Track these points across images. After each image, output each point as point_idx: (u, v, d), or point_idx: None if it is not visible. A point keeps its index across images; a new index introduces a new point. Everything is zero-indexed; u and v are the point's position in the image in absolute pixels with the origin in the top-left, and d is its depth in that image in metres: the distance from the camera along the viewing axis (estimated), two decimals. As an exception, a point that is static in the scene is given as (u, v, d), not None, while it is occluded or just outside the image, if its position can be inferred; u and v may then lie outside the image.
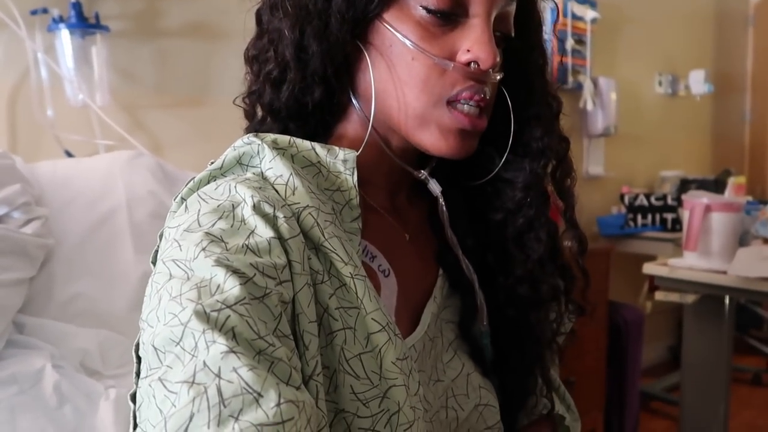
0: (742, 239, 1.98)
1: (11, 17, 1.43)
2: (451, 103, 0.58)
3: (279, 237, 0.51)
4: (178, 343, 0.42)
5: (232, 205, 0.52)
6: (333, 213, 0.57)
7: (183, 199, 0.56)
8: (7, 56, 1.48)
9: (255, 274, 0.46)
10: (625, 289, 3.07)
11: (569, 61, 2.88)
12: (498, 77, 0.60)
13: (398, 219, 0.67)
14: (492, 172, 0.66)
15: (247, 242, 0.49)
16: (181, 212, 0.54)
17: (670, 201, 2.92)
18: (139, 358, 0.49)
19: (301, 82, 0.59)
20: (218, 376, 0.40)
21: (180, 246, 0.49)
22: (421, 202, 0.70)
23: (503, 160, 0.65)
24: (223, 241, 0.48)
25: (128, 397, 0.47)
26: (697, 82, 3.57)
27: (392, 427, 0.52)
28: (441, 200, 0.65)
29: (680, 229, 2.54)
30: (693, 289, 1.99)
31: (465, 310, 0.67)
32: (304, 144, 0.58)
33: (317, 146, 0.58)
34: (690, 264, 1.95)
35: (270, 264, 0.48)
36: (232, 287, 0.45)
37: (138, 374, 0.48)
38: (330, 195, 0.58)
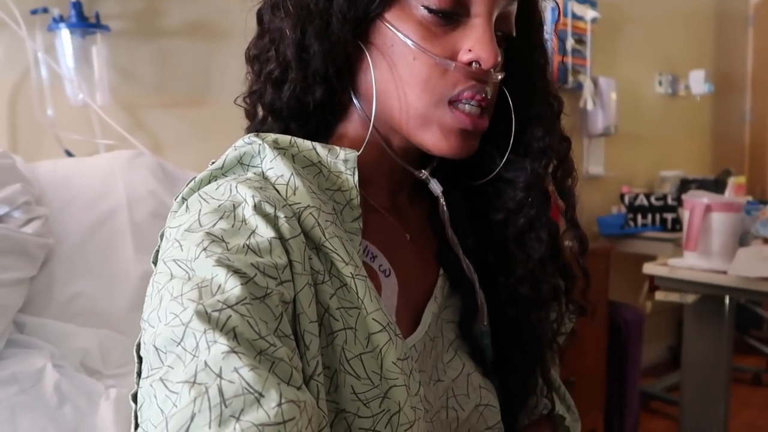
0: (742, 239, 1.98)
1: (11, 17, 1.43)
2: (452, 102, 0.58)
3: (280, 237, 0.51)
4: (179, 343, 0.42)
5: (233, 205, 0.52)
6: (334, 213, 0.57)
7: (184, 199, 0.56)
8: (7, 56, 1.48)
9: (256, 274, 0.46)
10: (625, 289, 3.07)
11: (569, 60, 2.88)
12: (499, 77, 0.60)
13: (399, 219, 0.67)
14: (493, 172, 0.66)
15: (248, 242, 0.49)
16: (182, 212, 0.54)
17: (670, 201, 2.92)
18: (140, 358, 0.49)
19: (303, 82, 0.59)
20: (219, 376, 0.40)
21: (181, 246, 0.49)
22: (422, 201, 0.70)
23: (504, 159, 0.65)
24: (224, 241, 0.48)
25: (129, 397, 0.47)
26: (697, 82, 3.57)
27: (393, 427, 0.52)
28: (442, 200, 0.65)
29: (680, 229, 2.55)
30: (693, 289, 1.99)
31: (465, 309, 0.67)
32: (305, 144, 0.58)
33: (318, 146, 0.58)
34: (690, 264, 1.95)
35: (271, 264, 0.48)
36: (233, 287, 0.45)
37: (139, 374, 0.48)
38: (331, 195, 0.58)
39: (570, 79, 2.91)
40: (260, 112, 0.64)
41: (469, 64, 0.57)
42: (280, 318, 0.47)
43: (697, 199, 1.91)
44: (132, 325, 1.11)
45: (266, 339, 0.43)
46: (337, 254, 0.53)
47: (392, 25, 0.57)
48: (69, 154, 1.54)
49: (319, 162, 0.58)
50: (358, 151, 0.59)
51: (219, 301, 0.44)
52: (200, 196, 0.54)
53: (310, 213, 0.53)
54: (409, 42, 0.57)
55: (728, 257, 1.87)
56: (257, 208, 0.51)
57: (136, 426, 0.44)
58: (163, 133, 1.74)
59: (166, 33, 1.74)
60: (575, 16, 2.89)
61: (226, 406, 0.38)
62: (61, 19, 1.50)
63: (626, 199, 2.98)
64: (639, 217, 2.94)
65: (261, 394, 0.39)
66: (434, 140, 0.59)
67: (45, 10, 1.49)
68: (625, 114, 3.15)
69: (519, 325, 0.68)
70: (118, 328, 1.15)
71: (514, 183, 0.66)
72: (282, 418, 0.39)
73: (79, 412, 0.99)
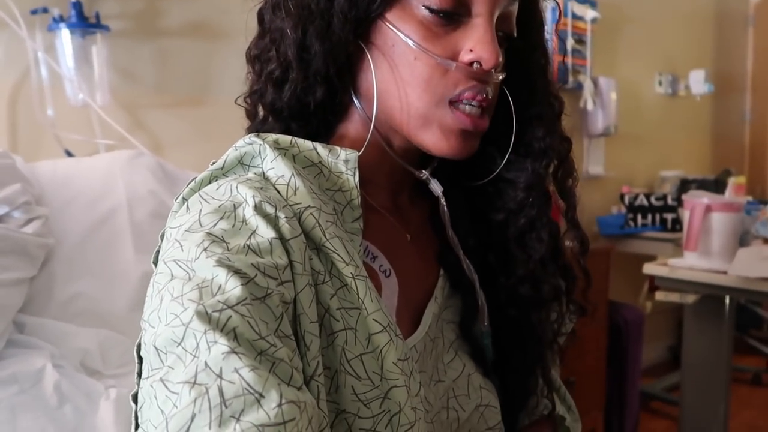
0: (743, 239, 1.98)
1: (11, 17, 1.43)
2: (453, 103, 0.58)
3: (280, 237, 0.51)
4: (179, 344, 0.42)
5: (234, 205, 0.52)
6: (334, 213, 0.56)
7: (184, 199, 0.56)
8: (7, 56, 1.48)
9: (256, 275, 0.46)
10: (625, 289, 3.07)
11: (569, 60, 2.88)
12: (500, 77, 0.60)
13: (400, 219, 0.67)
14: (494, 172, 0.66)
15: (248, 242, 0.49)
16: (182, 212, 0.54)
17: (670, 201, 2.92)
18: (140, 359, 0.49)
19: (304, 82, 0.59)
20: (220, 376, 0.40)
21: (181, 246, 0.49)
22: (422, 202, 0.70)
23: (505, 160, 0.65)
24: (224, 241, 0.48)
25: (130, 398, 0.47)
26: (697, 82, 3.57)
27: (393, 428, 0.52)
28: (442, 200, 0.65)
29: (680, 229, 2.55)
30: (693, 289, 1.99)
31: (466, 310, 0.67)
32: (306, 144, 0.58)
33: (319, 146, 0.58)
34: (690, 264, 1.95)
35: (271, 264, 0.48)
36: (233, 288, 0.45)
37: (140, 375, 0.48)
38: (331, 195, 0.58)
39: (570, 79, 2.91)
40: (261, 112, 0.64)
41: (470, 64, 0.57)
42: (280, 318, 0.46)
43: (697, 199, 1.91)
44: (132, 325, 1.11)
45: (267, 339, 0.43)
46: (338, 254, 0.53)
47: (393, 25, 0.57)
48: (69, 154, 1.54)
49: (320, 162, 0.58)
50: (358, 152, 0.59)
51: (219, 301, 0.43)
52: (201, 196, 0.54)
53: (311, 213, 0.53)
54: (410, 42, 0.57)
55: (728, 257, 1.87)
56: (258, 209, 0.51)
57: (137, 426, 0.44)
58: (163, 133, 1.74)
59: (166, 33, 1.74)
60: (575, 16, 2.89)
61: (226, 407, 0.38)
62: (61, 19, 1.50)
63: (626, 199, 2.98)
64: (639, 217, 2.94)
65: (261, 395, 0.39)
66: (434, 140, 0.59)
67: (45, 10, 1.49)
68: (625, 114, 3.14)
69: (519, 325, 0.68)
70: (118, 328, 1.15)
71: (514, 183, 0.66)
72: (282, 419, 0.39)
73: (79, 412, 0.99)
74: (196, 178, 0.58)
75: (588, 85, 2.93)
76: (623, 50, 3.30)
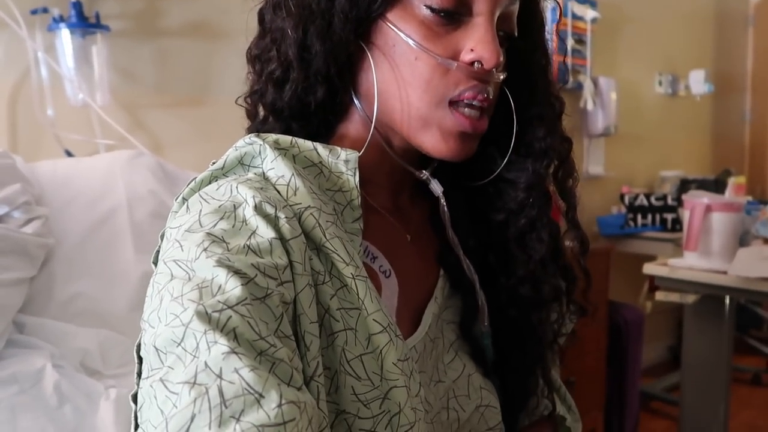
0: (743, 239, 1.98)
1: (11, 17, 1.42)
2: (453, 103, 0.58)
3: (280, 237, 0.51)
4: (179, 344, 0.42)
5: (234, 205, 0.52)
6: (334, 213, 0.56)
7: (184, 199, 0.56)
8: (7, 56, 1.48)
9: (256, 275, 0.46)
10: (625, 289, 3.07)
11: (569, 60, 2.88)
12: (501, 77, 0.60)
13: (400, 219, 0.67)
14: (494, 173, 0.66)
15: (248, 243, 0.49)
16: (182, 212, 0.54)
17: (670, 201, 2.92)
18: (140, 359, 0.49)
19: (304, 82, 0.59)
20: (219, 376, 0.40)
21: (181, 246, 0.49)
22: (423, 202, 0.70)
23: (506, 160, 0.65)
24: (224, 241, 0.48)
25: (129, 398, 0.47)
26: (697, 82, 3.57)
27: (393, 429, 0.52)
28: (442, 200, 0.65)
29: (680, 229, 2.55)
30: (693, 289, 1.99)
31: (466, 310, 0.67)
32: (306, 144, 0.58)
33: (319, 146, 0.58)
34: (690, 264, 1.95)
35: (271, 264, 0.48)
36: (233, 288, 0.45)
37: (139, 375, 0.48)
38: (331, 195, 0.58)
39: (570, 79, 2.91)
40: (261, 112, 0.64)
41: (471, 63, 0.57)
42: (280, 319, 0.46)
43: (697, 199, 1.91)
44: (132, 325, 1.11)
45: (266, 340, 0.43)
46: (338, 255, 0.53)
47: (394, 25, 0.57)
48: (69, 154, 1.54)
49: (320, 162, 0.58)
50: (359, 152, 0.59)
51: (219, 301, 0.43)
52: (201, 196, 0.54)
53: (311, 214, 0.53)
54: (411, 42, 0.57)
55: (728, 257, 1.87)
56: (258, 209, 0.51)
57: (136, 427, 0.44)
58: (163, 133, 1.74)
59: (166, 33, 1.74)
60: (575, 16, 2.89)
61: (226, 407, 0.38)
62: (61, 19, 1.50)
63: (626, 199, 2.98)
64: (639, 217, 2.94)
65: (261, 395, 0.39)
66: (433, 142, 0.59)
67: (45, 10, 1.49)
68: (625, 114, 3.14)
69: (520, 325, 0.68)
70: (118, 328, 1.15)
71: (515, 183, 0.66)
72: (282, 419, 0.39)
73: (79, 412, 0.99)
74: (196, 178, 0.58)
75: (588, 85, 2.93)
76: (623, 50, 3.30)
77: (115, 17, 1.62)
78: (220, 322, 0.42)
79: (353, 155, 0.58)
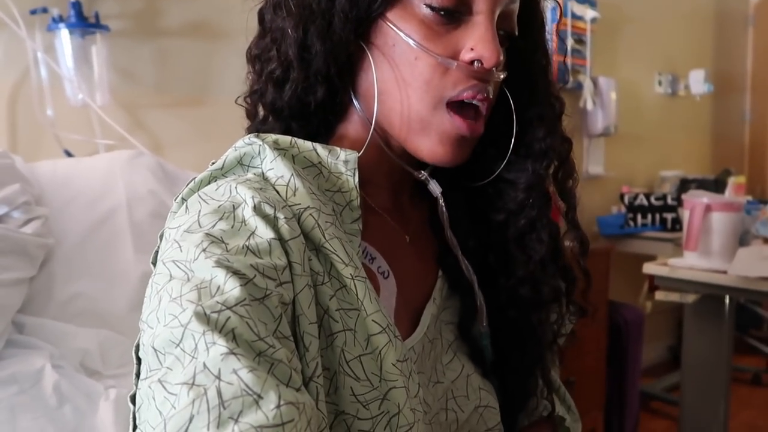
0: (743, 239, 1.98)
1: (11, 17, 1.42)
2: (451, 104, 0.58)
3: (279, 238, 0.50)
4: (178, 345, 0.42)
5: (233, 205, 0.52)
6: (333, 214, 0.56)
7: (183, 200, 0.56)
8: (7, 56, 1.48)
9: (255, 276, 0.46)
10: (625, 289, 3.07)
11: (569, 60, 2.88)
12: (501, 76, 0.60)
13: (399, 220, 0.67)
14: (494, 173, 0.66)
15: (247, 243, 0.49)
16: (181, 213, 0.54)
17: (670, 201, 2.92)
18: (139, 360, 0.48)
19: (304, 82, 0.59)
20: (218, 377, 0.40)
21: (180, 247, 0.49)
22: (422, 202, 0.70)
23: (506, 160, 0.65)
24: (223, 242, 0.48)
25: (128, 399, 0.47)
26: (697, 82, 3.57)
27: (392, 429, 0.52)
28: (441, 201, 0.65)
29: (680, 229, 2.54)
30: (693, 289, 1.99)
31: (465, 311, 0.67)
32: (306, 144, 0.58)
33: (318, 147, 0.58)
34: (690, 264, 1.95)
35: (270, 265, 0.48)
36: (232, 288, 0.44)
37: (138, 375, 0.48)
38: (331, 196, 0.58)
39: (570, 79, 2.91)
40: (261, 111, 0.64)
41: (471, 62, 0.57)
42: (279, 319, 0.46)
43: (697, 199, 1.91)
44: (132, 325, 1.11)
45: (265, 340, 0.43)
46: (337, 255, 0.53)
47: (394, 25, 0.57)
48: (69, 154, 1.54)
49: (320, 163, 0.58)
50: (358, 152, 0.59)
51: (218, 302, 0.43)
52: (200, 196, 0.54)
53: (310, 214, 0.53)
54: (411, 41, 0.57)
55: (728, 257, 1.87)
56: (257, 209, 0.51)
57: (135, 427, 0.44)
58: (163, 133, 1.74)
59: (166, 33, 1.73)
60: (575, 16, 2.89)
61: (224, 408, 0.38)
62: (61, 19, 1.50)
63: (626, 199, 2.98)
64: (639, 217, 2.94)
65: (260, 396, 0.39)
66: (430, 146, 0.59)
67: (44, 10, 1.49)
68: (625, 114, 3.14)
69: (519, 326, 0.68)
70: (117, 328, 1.15)
71: (515, 184, 0.66)
72: (281, 420, 0.39)
73: (79, 413, 0.99)
74: (195, 178, 0.58)
75: (588, 85, 2.93)
76: (623, 50, 3.30)
77: (114, 17, 1.62)
78: (218, 323, 0.42)
79: (353, 156, 0.58)
